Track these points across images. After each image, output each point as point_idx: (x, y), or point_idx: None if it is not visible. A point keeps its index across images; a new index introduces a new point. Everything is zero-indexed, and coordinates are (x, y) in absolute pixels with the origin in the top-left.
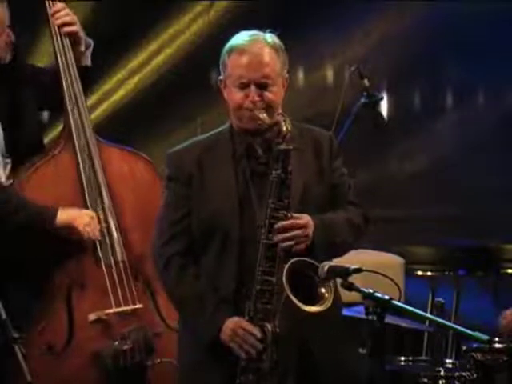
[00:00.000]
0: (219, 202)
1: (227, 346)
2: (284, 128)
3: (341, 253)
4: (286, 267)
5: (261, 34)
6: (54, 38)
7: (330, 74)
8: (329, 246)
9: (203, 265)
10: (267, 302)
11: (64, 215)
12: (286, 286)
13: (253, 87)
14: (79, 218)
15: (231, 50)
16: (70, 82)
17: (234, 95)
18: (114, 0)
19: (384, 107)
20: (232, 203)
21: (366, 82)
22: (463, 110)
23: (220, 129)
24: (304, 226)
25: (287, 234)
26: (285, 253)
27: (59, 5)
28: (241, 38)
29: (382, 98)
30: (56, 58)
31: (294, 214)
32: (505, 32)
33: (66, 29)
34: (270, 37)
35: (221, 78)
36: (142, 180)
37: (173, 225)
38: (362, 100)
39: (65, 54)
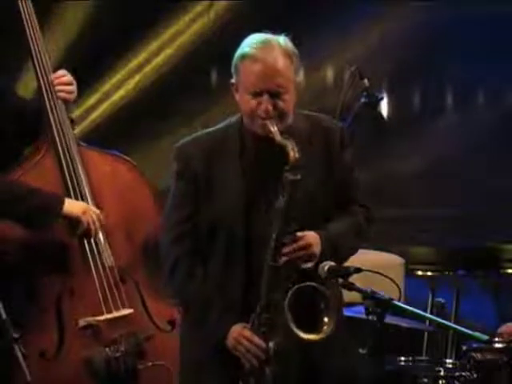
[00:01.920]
0: (225, 200)
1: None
2: (291, 154)
3: (346, 259)
4: (290, 293)
5: (274, 38)
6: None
7: (329, 74)
8: (335, 258)
9: (210, 266)
10: (272, 316)
11: (71, 206)
12: (287, 312)
13: (266, 96)
14: (87, 212)
15: (244, 57)
16: (49, 87)
17: (246, 102)
18: (114, 0)
19: (384, 107)
20: (237, 203)
21: (366, 81)
22: (463, 110)
23: (230, 121)
24: (308, 246)
25: (293, 256)
26: (289, 272)
27: (62, 72)
28: (254, 43)
29: (382, 98)
30: (35, 70)
31: (299, 234)
32: (505, 32)
33: (67, 97)
34: (284, 41)
35: (233, 81)
36: (124, 182)
37: (180, 223)
38: (362, 100)
39: (43, 65)
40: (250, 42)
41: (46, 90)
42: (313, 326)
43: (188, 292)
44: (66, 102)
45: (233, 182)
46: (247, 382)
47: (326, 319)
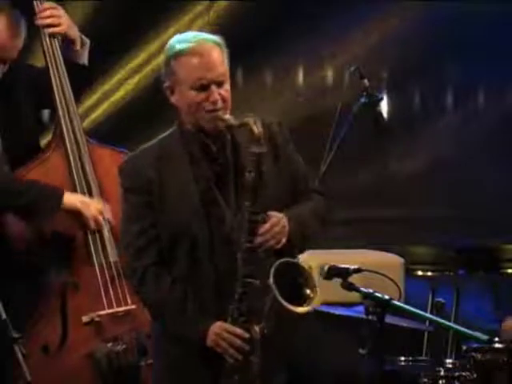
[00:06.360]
0: (183, 207)
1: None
2: (256, 130)
3: (309, 244)
4: (273, 269)
5: (198, 33)
6: (43, 38)
7: (329, 74)
8: (302, 238)
9: (175, 272)
10: (250, 304)
11: (71, 197)
12: (273, 288)
13: (213, 87)
14: (86, 203)
15: (179, 54)
16: (60, 83)
17: (191, 97)
18: (114, 0)
19: (384, 107)
20: (196, 207)
21: (365, 82)
22: (463, 110)
23: (168, 132)
24: (280, 222)
25: (268, 236)
26: (266, 253)
27: (45, 5)
28: (183, 40)
29: (382, 98)
30: (45, 58)
31: (269, 213)
32: (505, 32)
33: (50, 30)
34: (208, 35)
35: (166, 84)
36: None
37: (140, 235)
38: (362, 100)
39: (53, 54)
40: (178, 41)
41: (57, 86)
42: (296, 302)
43: (160, 296)
44: (60, 35)
45: (187, 188)
46: (231, 379)
47: (308, 291)
